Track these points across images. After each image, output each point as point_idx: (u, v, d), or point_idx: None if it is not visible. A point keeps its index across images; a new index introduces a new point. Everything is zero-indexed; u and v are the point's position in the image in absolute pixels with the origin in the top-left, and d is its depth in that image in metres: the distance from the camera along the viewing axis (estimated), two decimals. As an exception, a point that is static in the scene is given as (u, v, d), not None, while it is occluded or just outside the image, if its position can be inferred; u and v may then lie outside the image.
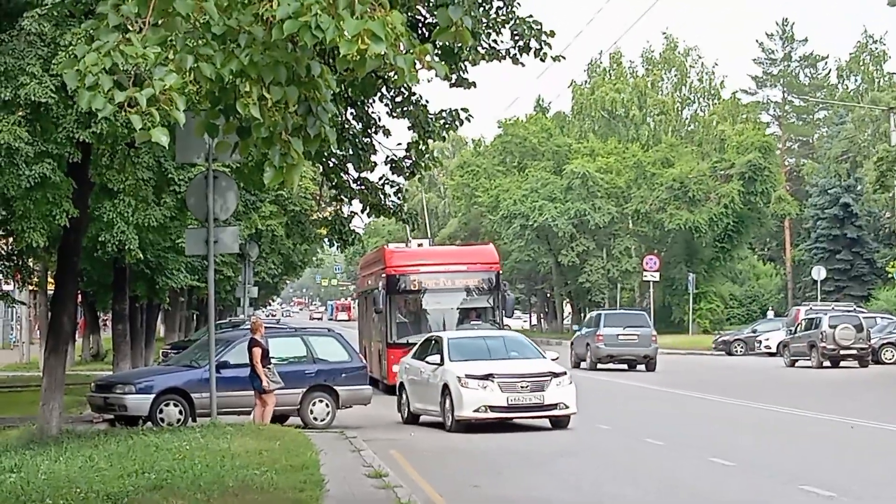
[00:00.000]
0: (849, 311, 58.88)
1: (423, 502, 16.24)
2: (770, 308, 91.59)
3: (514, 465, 21.40)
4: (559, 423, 26.83)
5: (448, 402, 26.71)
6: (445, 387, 26.82)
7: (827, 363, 51.75)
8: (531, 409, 26.54)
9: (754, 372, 51.72)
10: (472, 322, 37.43)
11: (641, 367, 51.87)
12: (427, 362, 28.21)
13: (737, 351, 67.66)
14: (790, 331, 57.81)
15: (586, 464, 21.29)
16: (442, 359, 27.66)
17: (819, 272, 79.78)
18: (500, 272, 39.73)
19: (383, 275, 38.68)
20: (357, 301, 53.86)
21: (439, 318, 37.91)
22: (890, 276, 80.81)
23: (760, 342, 66.12)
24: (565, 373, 26.95)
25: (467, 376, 26.34)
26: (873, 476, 19.34)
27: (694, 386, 40.99)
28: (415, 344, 34.91)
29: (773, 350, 62.44)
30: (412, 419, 29.14)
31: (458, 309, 38.30)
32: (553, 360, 28.10)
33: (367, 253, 49.03)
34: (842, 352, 51.79)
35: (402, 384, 29.85)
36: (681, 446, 23.54)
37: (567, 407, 26.47)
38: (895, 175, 47.21)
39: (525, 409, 26.48)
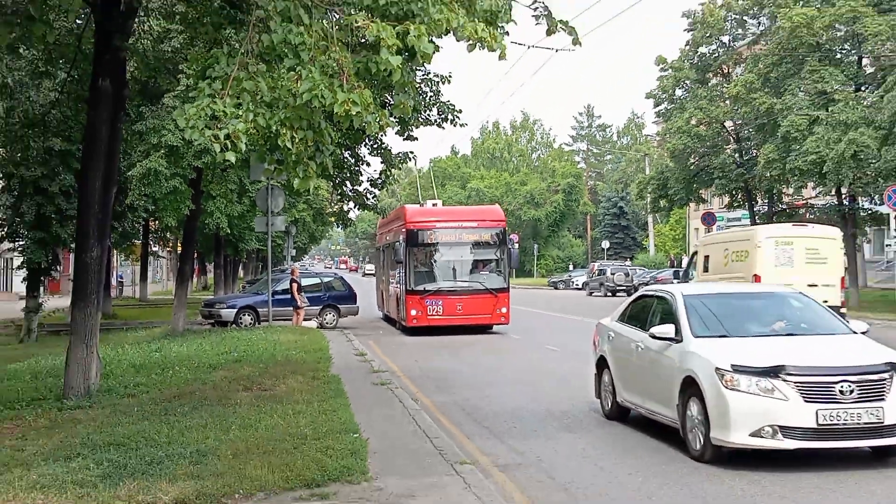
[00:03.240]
0: (622, 266, 59.15)
1: (386, 369, 16.09)
2: (571, 263, 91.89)
3: (444, 352, 21.13)
4: None
5: (697, 409, 8.71)
6: (690, 382, 8.83)
7: (609, 294, 52.10)
8: (860, 435, 8.09)
9: (568, 298, 51.73)
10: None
11: None
12: (653, 335, 9.62)
13: (560, 287, 67.73)
14: (590, 276, 58.05)
15: (484, 350, 21.12)
16: (678, 330, 9.40)
17: (606, 244, 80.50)
18: (506, 228, 27.60)
19: (403, 230, 26.67)
20: (376, 255, 37.39)
21: (452, 268, 26.57)
22: (644, 246, 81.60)
23: (573, 282, 66.26)
24: None
25: (736, 369, 8.34)
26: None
27: (539, 306, 41.04)
28: (430, 291, 25.48)
29: (580, 287, 62.59)
30: (618, 413, 11.02)
31: (469, 260, 26.85)
32: (863, 332, 9.62)
33: (381, 218, 30.27)
34: (617, 288, 52.10)
35: (601, 359, 11.53)
36: (530, 340, 23.36)
37: None
38: (648, 191, 47.28)
39: (849, 433, 8.07)
